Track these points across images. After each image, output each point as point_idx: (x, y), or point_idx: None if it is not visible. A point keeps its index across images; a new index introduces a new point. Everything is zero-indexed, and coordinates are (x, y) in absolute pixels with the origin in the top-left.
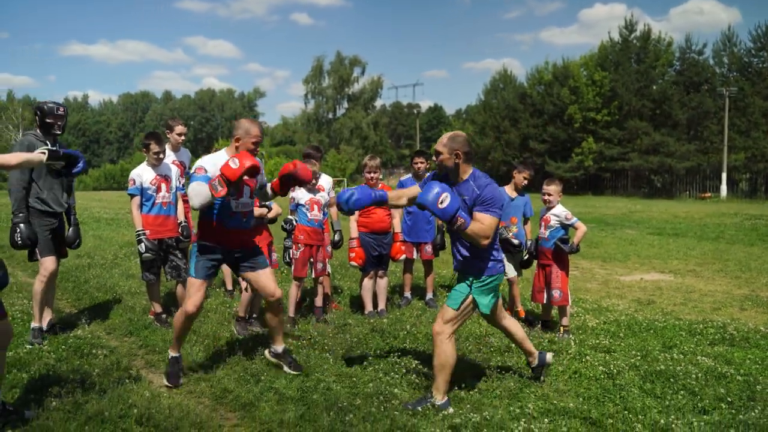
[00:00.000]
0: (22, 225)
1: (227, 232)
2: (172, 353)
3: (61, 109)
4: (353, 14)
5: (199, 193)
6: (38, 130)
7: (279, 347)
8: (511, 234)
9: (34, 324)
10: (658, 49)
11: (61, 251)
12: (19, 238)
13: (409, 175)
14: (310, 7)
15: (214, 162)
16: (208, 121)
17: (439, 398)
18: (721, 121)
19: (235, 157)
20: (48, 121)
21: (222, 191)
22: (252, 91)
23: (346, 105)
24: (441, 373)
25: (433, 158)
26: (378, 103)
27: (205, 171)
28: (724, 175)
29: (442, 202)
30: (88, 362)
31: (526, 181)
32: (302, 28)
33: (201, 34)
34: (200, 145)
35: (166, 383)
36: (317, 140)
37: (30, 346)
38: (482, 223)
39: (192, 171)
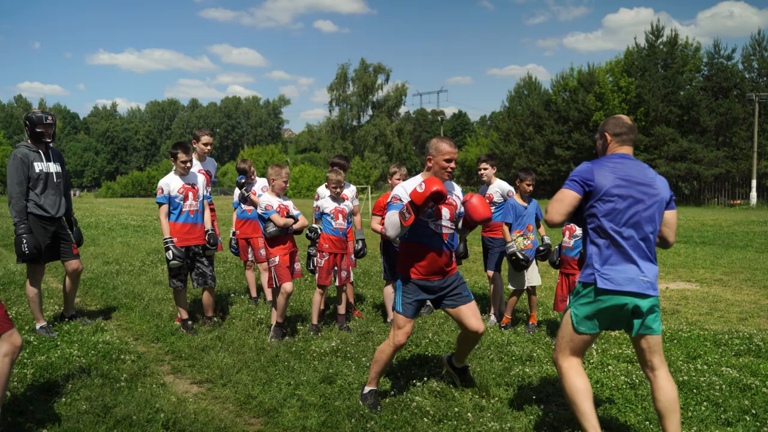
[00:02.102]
0: (26, 235)
1: (430, 254)
2: (369, 387)
3: (50, 117)
4: (377, 21)
5: (392, 223)
6: (29, 141)
7: (459, 364)
8: (523, 246)
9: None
10: (685, 55)
11: (72, 251)
12: (26, 248)
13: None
14: (333, 14)
15: (406, 189)
16: (234, 128)
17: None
18: (751, 127)
19: (424, 182)
20: (38, 130)
21: (410, 219)
22: (277, 99)
23: (370, 112)
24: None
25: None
26: (402, 110)
27: (400, 200)
28: (753, 182)
29: None
30: (116, 367)
31: (530, 188)
32: (326, 36)
33: (226, 42)
34: (226, 153)
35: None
36: (341, 147)
37: (60, 351)
38: None
39: (390, 199)
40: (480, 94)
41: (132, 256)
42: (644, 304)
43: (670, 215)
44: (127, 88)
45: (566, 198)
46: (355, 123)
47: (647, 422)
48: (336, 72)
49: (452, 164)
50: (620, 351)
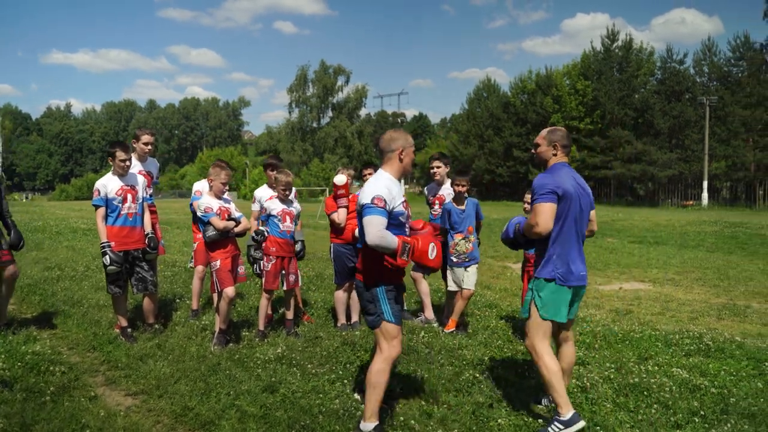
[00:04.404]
0: None
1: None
2: (371, 423)
3: None
4: (338, 23)
5: (385, 237)
6: None
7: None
8: (465, 249)
9: None
10: (639, 59)
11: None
12: None
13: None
14: (293, 15)
15: (389, 188)
16: (192, 130)
17: (368, 423)
18: (702, 130)
19: (436, 247)
20: None
21: (405, 262)
22: (237, 100)
23: (330, 114)
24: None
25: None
26: (363, 112)
27: (386, 204)
28: (705, 183)
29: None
30: (44, 380)
31: (461, 187)
32: (286, 37)
33: (184, 42)
34: (185, 155)
35: None
36: (301, 149)
37: None
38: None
39: (369, 202)
40: (441, 96)
41: (76, 261)
42: None
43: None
44: (82, 89)
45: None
46: (315, 125)
47: (597, 427)
48: (296, 73)
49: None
50: None
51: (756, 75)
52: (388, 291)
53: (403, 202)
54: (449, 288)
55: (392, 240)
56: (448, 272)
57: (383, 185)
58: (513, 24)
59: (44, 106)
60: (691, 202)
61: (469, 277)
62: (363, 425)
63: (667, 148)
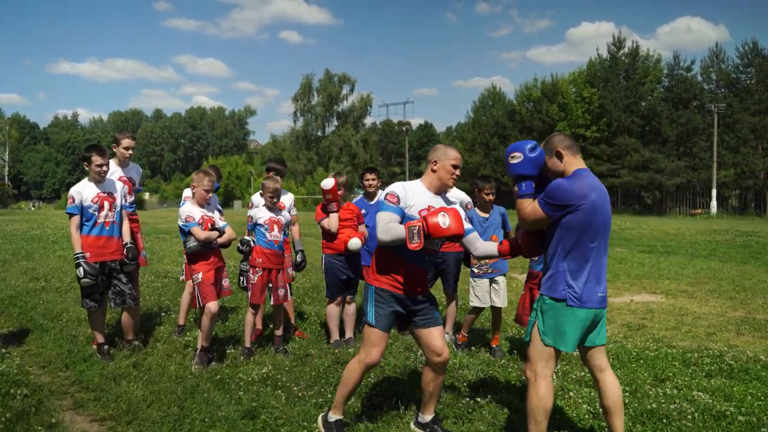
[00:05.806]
0: None
1: (407, 267)
2: (334, 416)
3: None
4: (343, 33)
5: (390, 230)
6: None
7: (427, 416)
8: (487, 260)
9: None
10: (646, 66)
11: None
12: None
13: (361, 195)
14: (299, 25)
15: (407, 190)
16: (198, 139)
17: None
18: (710, 138)
19: (448, 213)
20: None
21: (417, 245)
22: (243, 110)
23: (335, 122)
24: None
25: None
26: (368, 120)
27: (398, 201)
28: (714, 192)
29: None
30: (2, 404)
31: (490, 196)
32: (292, 46)
33: (190, 52)
34: (191, 163)
35: None
36: (306, 158)
37: None
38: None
39: (383, 198)
40: (446, 105)
41: (65, 272)
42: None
43: None
44: (89, 98)
45: None
46: (319, 133)
47: None
48: (300, 82)
49: (458, 171)
50: (582, 374)
51: (765, 81)
52: (379, 293)
53: (424, 209)
54: (472, 303)
55: (399, 230)
56: (470, 285)
57: (401, 185)
58: (518, 33)
59: (51, 116)
60: (699, 211)
61: (498, 293)
62: (328, 415)
63: (675, 156)
